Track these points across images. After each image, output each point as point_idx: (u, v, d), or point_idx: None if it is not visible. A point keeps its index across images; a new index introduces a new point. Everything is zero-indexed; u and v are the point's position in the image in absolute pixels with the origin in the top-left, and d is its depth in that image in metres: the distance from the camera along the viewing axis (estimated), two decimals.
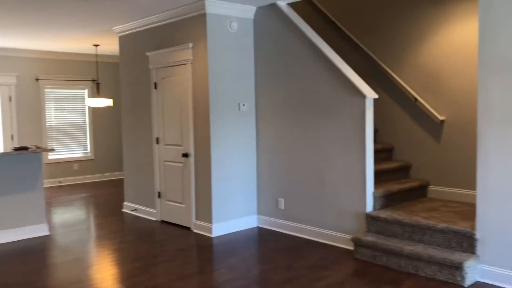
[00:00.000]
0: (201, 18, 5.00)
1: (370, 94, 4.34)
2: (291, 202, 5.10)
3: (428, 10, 5.06)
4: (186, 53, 5.24)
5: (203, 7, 4.91)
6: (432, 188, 5.15)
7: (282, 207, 5.19)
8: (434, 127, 5.08)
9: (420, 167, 5.24)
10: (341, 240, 4.59)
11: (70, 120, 9.13)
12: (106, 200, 7.42)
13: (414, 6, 5.18)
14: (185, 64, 5.29)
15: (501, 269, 3.50)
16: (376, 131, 5.56)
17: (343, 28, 5.91)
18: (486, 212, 3.57)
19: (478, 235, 3.63)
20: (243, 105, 5.31)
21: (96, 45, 7.98)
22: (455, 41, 4.86)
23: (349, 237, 4.41)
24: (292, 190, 5.08)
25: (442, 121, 5.00)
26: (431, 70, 5.08)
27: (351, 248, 4.40)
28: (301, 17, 5.09)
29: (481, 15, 3.53)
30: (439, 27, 4.98)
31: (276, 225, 5.28)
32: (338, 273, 3.89)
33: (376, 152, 5.14)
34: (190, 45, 5.15)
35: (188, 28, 5.20)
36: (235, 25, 5.17)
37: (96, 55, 9.02)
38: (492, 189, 3.52)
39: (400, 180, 5.18)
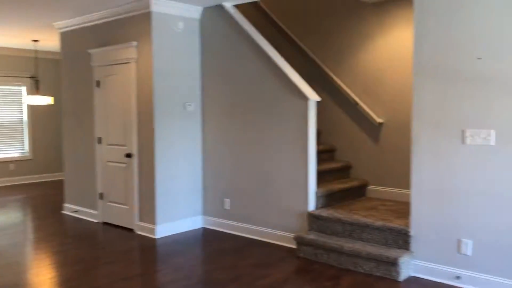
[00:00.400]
0: (146, 16, 4.94)
1: (313, 97, 4.46)
2: (237, 202, 5.14)
3: (369, 17, 5.27)
4: (130, 52, 5.15)
5: (148, 5, 4.85)
6: (371, 187, 5.36)
7: (228, 207, 5.23)
8: (373, 129, 5.30)
9: (360, 167, 5.45)
10: (285, 239, 4.69)
11: (6, 118, 8.70)
12: (45, 201, 7.14)
13: (356, 12, 5.38)
14: (129, 62, 5.20)
15: (433, 264, 3.72)
16: (319, 133, 5.72)
17: (288, 32, 6.04)
18: (419, 210, 3.77)
19: (412, 232, 3.83)
20: (189, 105, 5.29)
21: (35, 41, 7.66)
22: (393, 47, 5.10)
23: (292, 236, 4.51)
24: (237, 190, 5.13)
25: (381, 124, 5.22)
26: (371, 75, 5.30)
27: (294, 246, 4.51)
28: (248, 19, 5.15)
29: (416, 24, 3.73)
30: (378, 33, 5.20)
31: (222, 226, 5.30)
32: (281, 271, 3.97)
33: (319, 152, 5.29)
34: (134, 43, 5.07)
35: (133, 26, 5.12)
36: (181, 24, 5.15)
37: (36, 51, 8.65)
38: (425, 189, 3.73)
39: (342, 180, 5.36)
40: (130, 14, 5.11)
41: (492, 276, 3.43)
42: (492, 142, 3.39)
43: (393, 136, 5.14)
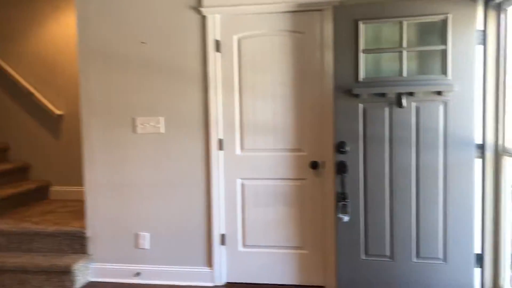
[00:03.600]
0: None
1: None
2: None
3: None
4: None
5: None
6: (54, 188, 4.74)
7: None
8: (52, 122, 4.69)
9: (41, 166, 4.76)
10: None
11: None
12: None
13: None
14: None
15: (113, 264, 3.43)
16: None
17: None
18: (95, 208, 3.43)
19: (89, 233, 3.45)
20: None
21: None
22: (68, 32, 4.59)
23: None
24: None
25: (60, 116, 4.66)
26: (46, 62, 4.66)
27: None
28: None
29: (78, 9, 3.33)
30: (51, 17, 4.60)
31: None
32: None
33: None
34: None
35: None
36: None
37: None
38: (99, 184, 3.40)
39: (17, 183, 4.56)
40: None
41: (169, 267, 3.37)
42: (162, 129, 3.31)
43: (74, 129, 4.65)
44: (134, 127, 3.33)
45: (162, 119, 3.30)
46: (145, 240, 3.38)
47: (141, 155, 3.34)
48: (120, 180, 3.37)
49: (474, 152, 2.76)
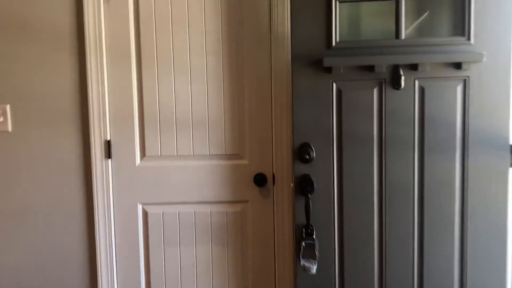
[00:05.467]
0: None
1: None
2: None
3: None
4: None
5: None
6: None
7: None
8: None
9: None
10: None
11: None
12: None
13: None
14: None
15: None
16: None
17: None
18: None
19: None
20: None
21: None
22: None
23: None
24: None
25: None
26: None
27: None
28: None
29: None
30: None
31: None
32: None
33: None
34: None
35: None
36: None
37: None
38: None
39: None
40: None
41: None
42: (8, 125, 2.01)
43: None
44: None
45: (8, 109, 2.00)
46: None
47: None
48: None
49: (509, 157, 1.81)
